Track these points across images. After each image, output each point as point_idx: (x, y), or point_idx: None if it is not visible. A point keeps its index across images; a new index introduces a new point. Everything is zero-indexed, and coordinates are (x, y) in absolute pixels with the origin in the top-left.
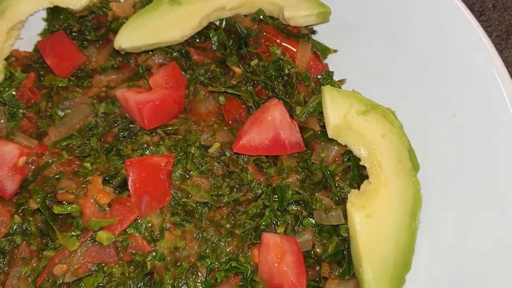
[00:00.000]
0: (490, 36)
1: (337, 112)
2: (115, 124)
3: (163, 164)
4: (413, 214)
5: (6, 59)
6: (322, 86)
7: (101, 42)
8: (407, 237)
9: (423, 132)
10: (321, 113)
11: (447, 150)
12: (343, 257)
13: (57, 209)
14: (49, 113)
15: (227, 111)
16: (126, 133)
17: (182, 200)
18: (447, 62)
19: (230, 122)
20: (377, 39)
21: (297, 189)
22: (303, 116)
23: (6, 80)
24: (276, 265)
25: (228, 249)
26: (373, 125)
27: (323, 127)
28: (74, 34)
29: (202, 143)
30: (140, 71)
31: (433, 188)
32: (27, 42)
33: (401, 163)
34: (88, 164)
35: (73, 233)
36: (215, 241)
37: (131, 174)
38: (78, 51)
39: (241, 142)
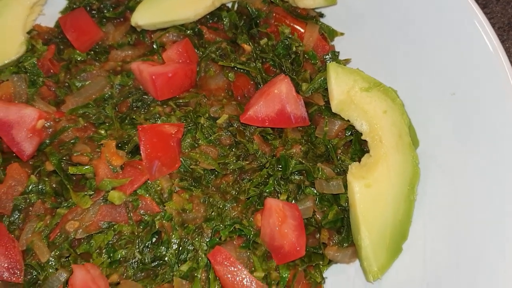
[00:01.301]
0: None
1: (341, 88)
2: (129, 95)
3: (173, 132)
4: (411, 186)
5: (29, 32)
6: (327, 63)
7: (118, 19)
8: (405, 208)
9: (423, 110)
10: (326, 89)
11: (446, 127)
12: (342, 226)
13: (72, 170)
14: (67, 84)
15: (236, 87)
16: (139, 103)
17: (191, 167)
18: (447, 42)
19: (238, 98)
20: (382, 23)
21: (300, 159)
22: (309, 92)
23: (28, 52)
24: (277, 228)
25: (233, 214)
26: (375, 102)
27: (328, 102)
28: (93, 11)
29: (211, 114)
30: (155, 47)
31: (431, 163)
32: (49, 18)
33: (401, 139)
34: (102, 131)
35: (86, 192)
36: (220, 206)
37: (143, 139)
38: (96, 27)
39: (248, 113)
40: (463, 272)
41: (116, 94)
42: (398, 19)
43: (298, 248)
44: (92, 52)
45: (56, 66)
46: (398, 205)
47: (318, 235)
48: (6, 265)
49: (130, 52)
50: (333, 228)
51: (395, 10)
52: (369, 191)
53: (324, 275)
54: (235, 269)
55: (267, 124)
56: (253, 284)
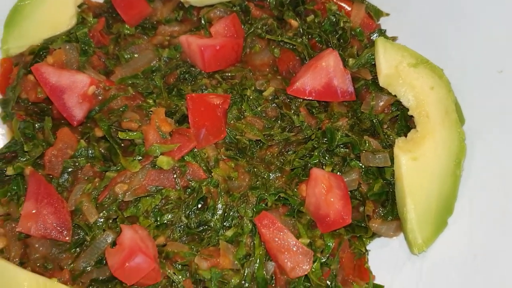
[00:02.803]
0: None
1: (389, 62)
2: (177, 67)
3: (220, 102)
4: (458, 162)
5: (79, 6)
6: (375, 38)
7: None
8: (451, 183)
9: (469, 88)
10: (373, 65)
11: (493, 105)
12: (387, 199)
13: (122, 135)
14: (116, 56)
15: (281, 63)
16: (186, 75)
17: (236, 137)
18: (495, 20)
19: (283, 73)
20: (427, 3)
21: (346, 131)
22: (355, 67)
23: (78, 25)
24: (323, 197)
25: (277, 184)
26: (422, 78)
27: (374, 78)
28: None
29: (257, 87)
30: (202, 22)
31: (477, 140)
32: None
33: (448, 115)
34: (151, 101)
35: (135, 158)
36: (265, 176)
37: (191, 107)
38: (145, 3)
39: (295, 85)
40: (510, 243)
41: (164, 66)
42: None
43: (344, 217)
44: (140, 27)
45: (106, 38)
46: (444, 180)
47: (362, 208)
48: (54, 224)
49: (177, 28)
50: (378, 201)
51: None
52: (415, 164)
53: (367, 248)
54: (282, 233)
55: (313, 96)
56: (300, 249)
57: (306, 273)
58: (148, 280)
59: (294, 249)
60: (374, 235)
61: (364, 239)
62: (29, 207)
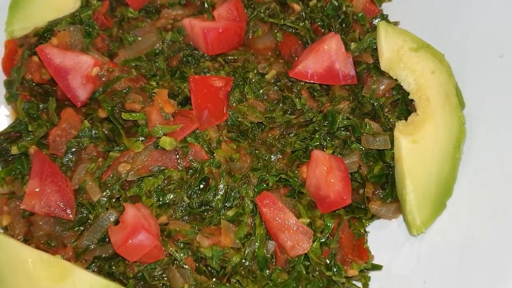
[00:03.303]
0: None
1: (390, 46)
2: (180, 50)
3: (222, 85)
4: (457, 145)
5: None
6: (377, 23)
7: None
8: (450, 165)
9: (470, 73)
10: (375, 49)
11: (492, 90)
12: (386, 181)
13: (125, 116)
14: (120, 39)
15: (283, 47)
16: (189, 58)
17: (238, 119)
18: (495, 4)
19: (286, 57)
20: None
21: (347, 114)
22: (357, 51)
23: (82, 7)
24: (323, 178)
25: (278, 166)
26: (423, 62)
27: (376, 62)
28: None
29: (260, 71)
30: (205, 5)
31: (477, 124)
32: None
33: (448, 99)
34: (154, 83)
35: (138, 138)
36: (266, 158)
37: (193, 89)
38: None
39: (298, 68)
40: (509, 224)
41: (167, 49)
42: None
43: (344, 197)
44: (144, 11)
45: (109, 21)
46: (443, 162)
47: (362, 190)
48: (58, 202)
49: (180, 11)
50: (378, 183)
51: None
52: (415, 147)
53: (367, 230)
54: (282, 213)
55: (315, 79)
56: (300, 228)
57: (305, 251)
58: (150, 258)
59: (294, 228)
60: (373, 217)
61: (363, 221)
62: (33, 185)
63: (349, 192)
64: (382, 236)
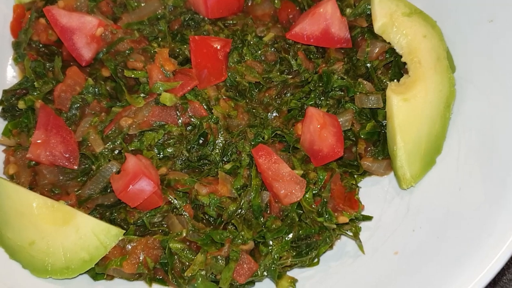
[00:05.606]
0: None
1: (384, 11)
2: (181, 15)
3: (221, 45)
4: (447, 105)
5: None
6: None
7: None
8: (440, 124)
9: (461, 38)
10: (369, 15)
11: (483, 54)
12: (378, 140)
13: (127, 73)
14: (123, 4)
15: (281, 13)
16: (190, 22)
17: (236, 80)
18: None
19: (283, 23)
20: None
21: (342, 75)
22: (352, 16)
23: None
24: (317, 133)
25: (274, 124)
26: (415, 26)
27: (370, 26)
28: None
29: (258, 34)
30: None
31: (467, 85)
32: None
33: (439, 61)
34: (155, 44)
35: (139, 95)
36: (263, 116)
37: (193, 49)
38: None
39: (294, 30)
40: (495, 178)
41: (169, 14)
42: None
43: (336, 150)
44: None
45: None
46: (433, 121)
47: (355, 149)
48: (63, 152)
49: None
50: (370, 140)
51: None
52: (406, 105)
53: (359, 185)
54: (277, 164)
55: (311, 42)
56: (293, 177)
57: (298, 199)
58: (150, 205)
59: (288, 177)
60: (365, 173)
61: (355, 176)
62: (39, 135)
63: (341, 146)
64: (374, 191)
